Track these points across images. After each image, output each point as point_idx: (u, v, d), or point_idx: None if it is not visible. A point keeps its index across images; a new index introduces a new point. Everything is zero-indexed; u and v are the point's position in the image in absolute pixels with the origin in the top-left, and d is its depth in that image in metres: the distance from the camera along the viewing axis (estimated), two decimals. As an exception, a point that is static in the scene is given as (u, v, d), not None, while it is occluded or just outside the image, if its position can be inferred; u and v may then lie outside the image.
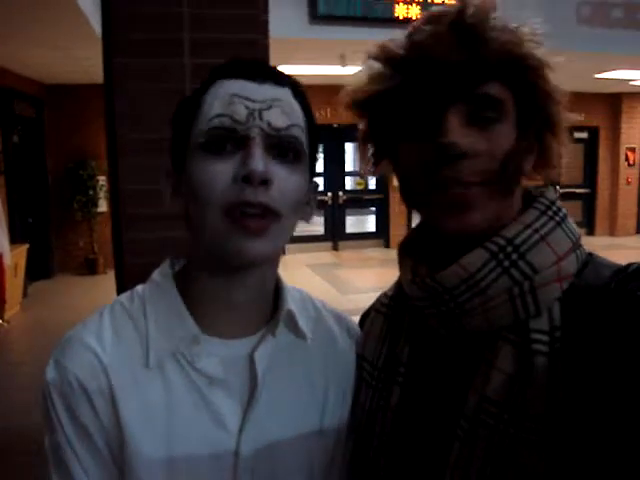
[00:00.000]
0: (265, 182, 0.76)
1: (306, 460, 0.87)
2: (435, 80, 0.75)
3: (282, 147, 0.79)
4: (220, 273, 0.83)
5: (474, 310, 0.76)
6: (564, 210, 0.80)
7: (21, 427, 3.82)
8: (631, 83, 10.38)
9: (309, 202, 0.87)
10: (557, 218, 0.78)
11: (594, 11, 7.30)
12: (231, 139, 0.78)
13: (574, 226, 0.80)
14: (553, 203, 0.79)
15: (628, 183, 12.73)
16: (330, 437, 0.90)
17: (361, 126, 0.88)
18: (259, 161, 0.76)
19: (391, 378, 0.86)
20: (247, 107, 0.78)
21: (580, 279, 0.76)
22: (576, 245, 0.78)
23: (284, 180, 0.78)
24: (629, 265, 0.74)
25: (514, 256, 0.74)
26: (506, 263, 0.74)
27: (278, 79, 0.82)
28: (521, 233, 0.75)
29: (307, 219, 0.88)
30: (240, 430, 0.82)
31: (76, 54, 6.73)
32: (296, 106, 0.83)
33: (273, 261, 0.87)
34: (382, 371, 0.88)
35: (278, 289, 0.91)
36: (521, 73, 0.75)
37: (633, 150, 12.66)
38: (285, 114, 0.80)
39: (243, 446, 0.82)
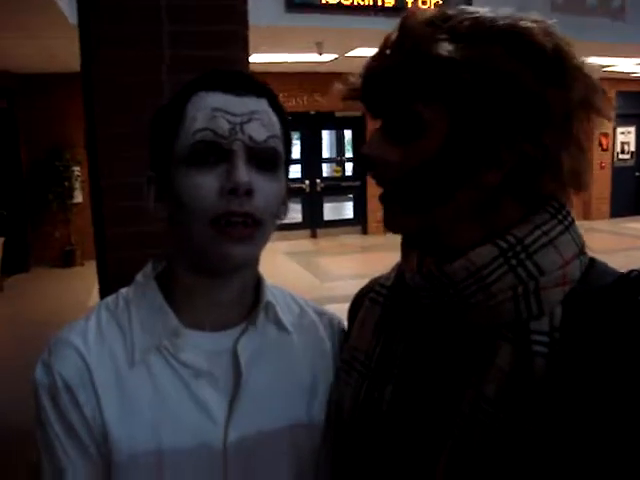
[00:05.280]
0: (249, 192, 0.81)
1: (294, 451, 0.89)
2: (366, 96, 0.81)
3: (262, 158, 0.84)
4: (205, 275, 0.87)
5: (477, 305, 0.76)
6: (572, 215, 0.80)
7: (4, 420, 3.80)
8: (604, 69, 10.48)
9: (284, 202, 0.92)
10: (566, 222, 0.78)
11: (568, -2, 7.34)
12: (214, 152, 0.81)
13: (580, 232, 0.81)
14: (563, 207, 0.80)
15: (602, 168, 12.89)
16: (318, 429, 0.92)
17: None
18: (243, 173, 0.80)
19: (387, 370, 0.87)
20: (229, 121, 0.82)
21: (582, 284, 0.76)
22: (581, 251, 0.79)
23: (265, 189, 0.83)
24: (631, 272, 0.75)
25: (522, 255, 0.75)
26: (513, 261, 0.75)
27: (256, 90, 0.86)
28: (531, 233, 0.76)
29: (282, 217, 0.93)
30: (227, 421, 0.85)
31: (47, 42, 6.61)
32: (273, 116, 0.87)
33: (254, 262, 0.91)
34: (377, 362, 0.88)
35: (259, 285, 0.94)
36: (450, 92, 0.72)
37: (606, 135, 12.81)
38: (264, 126, 0.84)
39: (231, 436, 0.84)
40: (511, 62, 0.71)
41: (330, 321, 1.03)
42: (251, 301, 0.92)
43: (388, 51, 0.77)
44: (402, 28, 0.77)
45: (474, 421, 0.74)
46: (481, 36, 0.72)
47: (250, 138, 0.82)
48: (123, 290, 0.92)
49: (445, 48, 0.72)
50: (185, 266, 0.88)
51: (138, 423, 0.82)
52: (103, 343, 0.85)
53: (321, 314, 1.03)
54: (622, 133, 13.34)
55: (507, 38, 0.72)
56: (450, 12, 0.76)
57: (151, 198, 0.89)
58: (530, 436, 0.70)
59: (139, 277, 0.92)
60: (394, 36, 0.78)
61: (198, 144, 0.81)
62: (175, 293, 0.89)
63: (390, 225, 0.82)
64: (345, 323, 1.03)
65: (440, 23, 0.75)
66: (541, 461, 0.70)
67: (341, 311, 1.05)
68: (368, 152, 0.80)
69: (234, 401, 0.86)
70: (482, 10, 0.76)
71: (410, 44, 0.74)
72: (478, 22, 0.74)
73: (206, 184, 0.81)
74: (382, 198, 0.82)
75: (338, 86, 0.85)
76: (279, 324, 0.93)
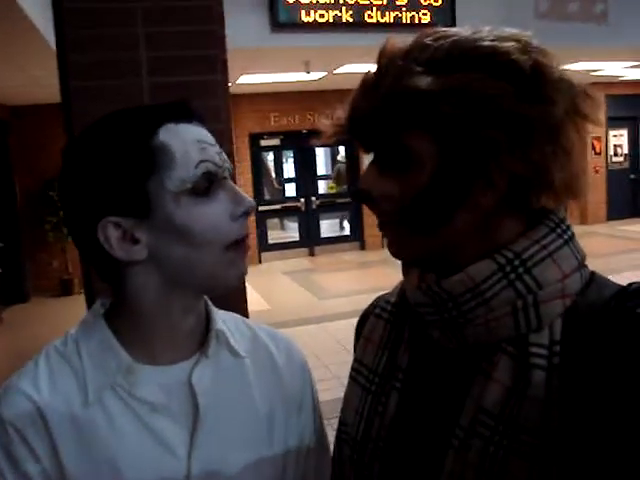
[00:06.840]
0: None
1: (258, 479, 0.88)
2: (356, 134, 0.82)
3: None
4: (185, 302, 0.87)
5: (476, 320, 0.77)
6: (572, 229, 0.81)
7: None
8: (592, 74, 10.54)
9: None
10: (565, 236, 0.79)
11: (551, 5, 7.41)
12: (212, 181, 0.83)
13: (580, 246, 0.81)
14: (562, 221, 0.80)
15: (596, 172, 12.93)
16: (279, 458, 0.91)
17: None
18: (248, 196, 0.85)
19: (389, 384, 0.87)
20: (215, 152, 0.85)
21: (583, 297, 0.77)
22: (581, 265, 0.79)
23: None
24: (630, 285, 0.75)
25: (520, 269, 0.75)
26: (512, 276, 0.75)
27: (201, 117, 0.88)
28: (530, 248, 0.76)
29: None
30: (189, 455, 0.83)
31: (35, 74, 6.65)
32: None
33: None
34: (381, 377, 0.89)
35: (207, 312, 0.93)
36: (433, 121, 0.73)
37: (599, 139, 12.86)
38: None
39: (194, 471, 0.83)
40: (490, 85, 0.71)
41: (286, 347, 1.01)
42: (203, 330, 0.91)
43: (369, 88, 0.78)
44: (380, 64, 0.78)
45: (473, 433, 0.74)
46: (458, 63, 0.73)
47: (229, 165, 0.87)
48: (72, 331, 0.89)
49: (423, 81, 0.72)
50: (158, 299, 0.85)
51: (97, 463, 0.80)
52: (55, 386, 0.83)
53: (276, 338, 1.01)
54: (614, 136, 13.40)
55: (484, 61, 0.73)
56: (427, 40, 0.76)
57: (117, 244, 0.82)
58: (529, 448, 0.70)
59: (87, 316, 0.90)
60: (373, 72, 0.79)
61: (204, 175, 0.82)
62: (127, 328, 0.87)
63: (396, 251, 0.83)
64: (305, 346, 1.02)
65: (417, 54, 0.75)
66: (541, 473, 0.69)
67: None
68: (365, 187, 0.81)
69: (194, 434, 0.84)
70: (461, 31, 0.77)
71: (389, 80, 0.75)
72: (455, 48, 0.74)
73: (217, 212, 0.83)
74: (382, 227, 0.83)
75: (325, 122, 0.86)
76: (232, 351, 0.92)
